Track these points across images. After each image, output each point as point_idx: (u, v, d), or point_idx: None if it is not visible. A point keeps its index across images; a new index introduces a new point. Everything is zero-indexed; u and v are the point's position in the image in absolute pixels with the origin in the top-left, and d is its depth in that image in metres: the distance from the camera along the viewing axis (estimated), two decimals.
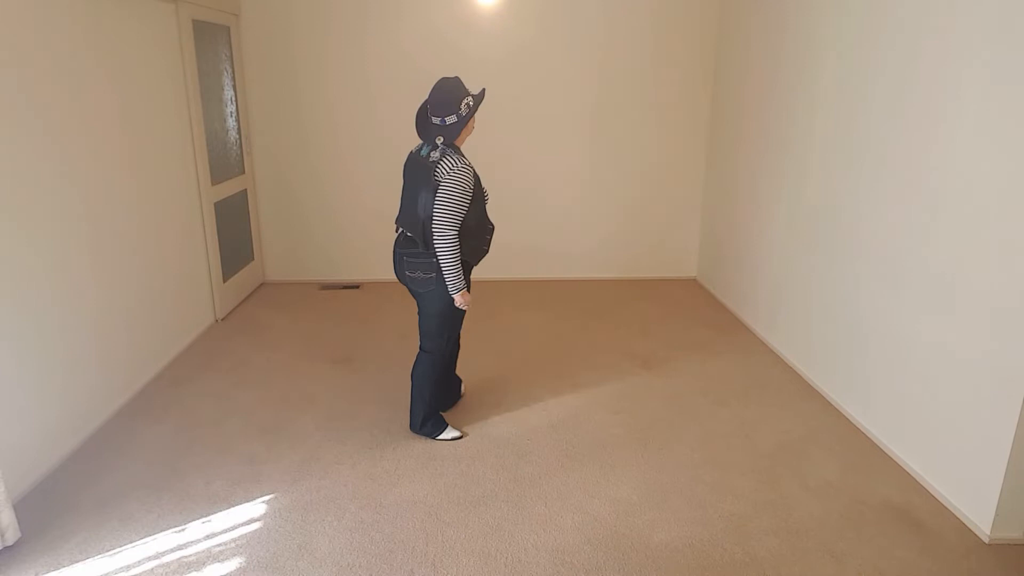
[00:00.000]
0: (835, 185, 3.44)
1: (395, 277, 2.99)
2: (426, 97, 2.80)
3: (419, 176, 2.72)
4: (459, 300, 2.84)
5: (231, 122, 4.78)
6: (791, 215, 3.91)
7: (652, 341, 4.26)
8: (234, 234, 4.84)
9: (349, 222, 5.33)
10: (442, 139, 2.74)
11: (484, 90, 2.87)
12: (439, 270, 2.78)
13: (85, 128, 3.11)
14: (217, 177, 4.51)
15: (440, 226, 2.69)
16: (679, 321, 4.63)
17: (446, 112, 2.73)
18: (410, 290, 2.92)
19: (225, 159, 4.69)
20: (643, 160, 5.31)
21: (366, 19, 4.92)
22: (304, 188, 5.27)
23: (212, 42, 4.47)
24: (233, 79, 4.80)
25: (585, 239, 5.50)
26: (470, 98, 2.77)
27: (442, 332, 2.99)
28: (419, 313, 2.99)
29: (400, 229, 2.91)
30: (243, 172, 5.00)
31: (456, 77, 2.81)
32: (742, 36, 4.60)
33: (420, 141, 2.85)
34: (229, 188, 4.72)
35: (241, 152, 4.96)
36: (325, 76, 5.02)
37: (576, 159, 5.30)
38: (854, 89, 3.27)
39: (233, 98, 4.81)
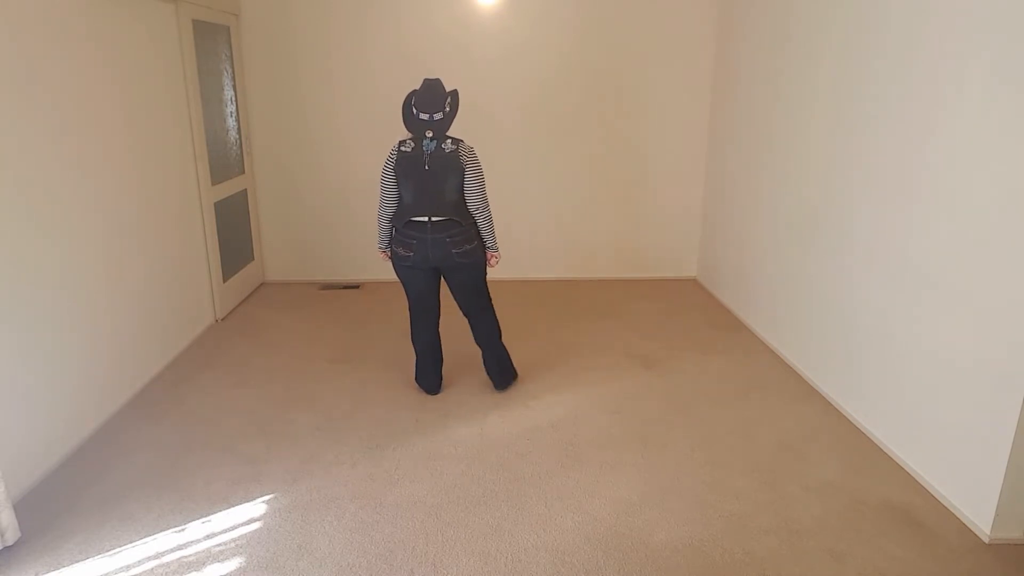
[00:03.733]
0: (835, 185, 3.44)
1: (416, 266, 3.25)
2: (418, 95, 3.13)
3: (447, 165, 3.11)
4: (499, 256, 3.36)
5: (231, 122, 4.79)
6: (791, 215, 3.91)
7: (652, 341, 4.26)
8: (234, 234, 4.84)
9: (349, 222, 5.33)
10: (432, 132, 3.11)
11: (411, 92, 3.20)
12: (477, 236, 3.25)
13: (87, 128, 3.11)
14: (217, 177, 4.51)
15: (485, 196, 3.22)
16: (679, 321, 4.63)
17: (437, 109, 3.10)
18: (452, 267, 3.22)
19: (225, 159, 4.69)
20: (643, 160, 5.31)
21: (366, 19, 4.92)
22: (304, 188, 5.27)
23: (212, 42, 4.47)
24: (233, 79, 4.80)
25: (585, 239, 5.50)
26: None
27: (487, 289, 3.43)
28: (465, 286, 3.32)
29: (428, 218, 3.14)
30: (243, 172, 5.00)
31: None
32: (741, 36, 4.60)
33: (409, 139, 3.15)
34: (229, 188, 4.72)
35: (241, 152, 4.96)
36: (325, 76, 5.02)
37: (575, 159, 5.30)
38: (853, 89, 3.27)
39: (233, 98, 4.81)
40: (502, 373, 3.57)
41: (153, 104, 3.72)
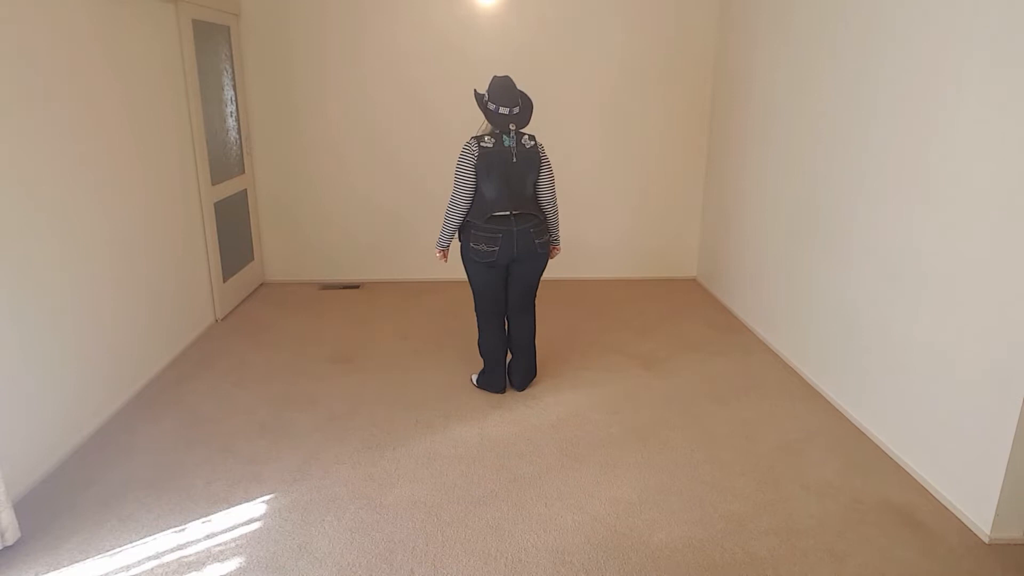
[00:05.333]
0: (835, 185, 3.44)
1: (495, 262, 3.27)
2: (498, 91, 3.20)
3: (529, 160, 3.22)
4: (560, 248, 3.50)
5: (231, 122, 4.78)
6: (791, 215, 3.91)
7: (652, 341, 4.26)
8: (234, 234, 4.84)
9: (349, 222, 5.33)
10: (515, 126, 3.18)
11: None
12: (548, 230, 3.37)
13: (87, 128, 3.11)
14: (217, 177, 4.51)
15: (555, 190, 3.37)
16: (679, 321, 4.63)
17: (515, 103, 3.19)
18: (529, 257, 3.29)
19: (225, 159, 4.68)
20: (643, 160, 5.31)
21: (365, 19, 4.92)
22: (304, 188, 5.27)
23: (212, 42, 4.46)
24: (233, 79, 4.80)
25: (585, 239, 5.49)
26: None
27: None
28: (530, 279, 3.40)
29: (510, 213, 3.19)
30: (243, 172, 5.00)
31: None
32: (742, 37, 4.60)
33: (487, 135, 3.19)
34: (229, 188, 4.72)
35: (241, 152, 4.96)
36: (325, 76, 5.02)
37: (576, 159, 5.30)
38: (853, 89, 3.27)
39: (233, 98, 4.81)
40: (528, 374, 3.60)
41: (153, 104, 3.72)
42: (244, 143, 4.98)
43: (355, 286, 5.35)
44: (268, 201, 5.28)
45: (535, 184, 3.28)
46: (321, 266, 5.45)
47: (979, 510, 2.50)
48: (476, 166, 3.15)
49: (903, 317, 2.92)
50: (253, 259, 5.22)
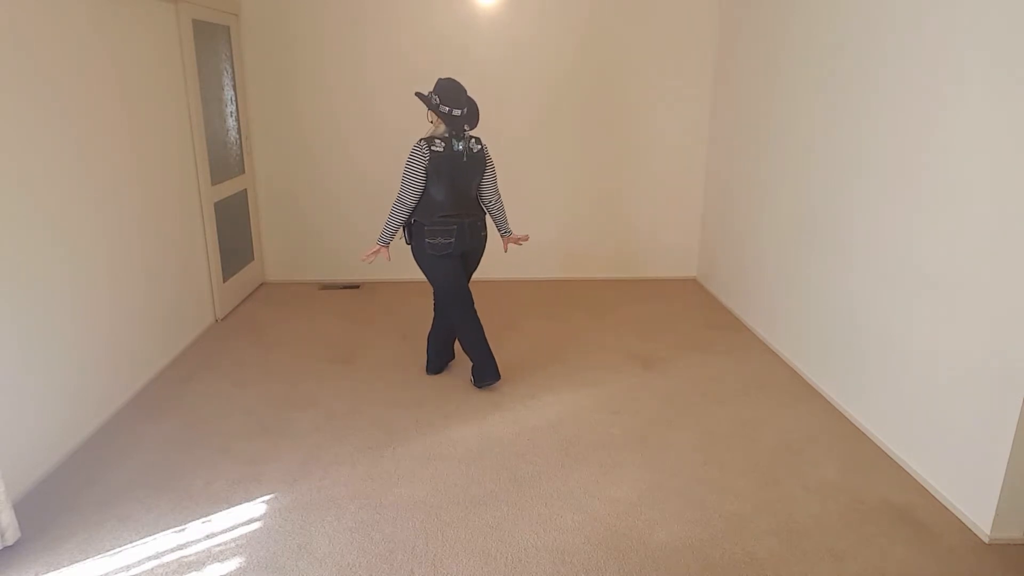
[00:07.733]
0: (834, 185, 3.44)
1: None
2: (448, 95, 3.24)
3: (475, 165, 3.33)
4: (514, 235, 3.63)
5: (231, 122, 4.78)
6: (791, 215, 3.91)
7: (652, 341, 4.26)
8: (234, 234, 4.84)
9: (349, 222, 5.33)
10: (468, 127, 3.28)
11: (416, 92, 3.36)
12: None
13: (87, 128, 3.11)
14: (217, 177, 4.51)
15: (498, 187, 3.49)
16: (679, 321, 4.63)
17: (462, 104, 3.25)
18: (475, 249, 3.48)
19: (225, 159, 4.69)
20: (643, 160, 5.31)
21: (365, 19, 4.92)
22: (304, 188, 5.27)
23: (212, 42, 4.46)
24: (233, 79, 4.80)
25: (585, 239, 5.50)
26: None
27: None
28: (471, 270, 3.55)
29: (456, 214, 3.30)
30: (243, 172, 5.00)
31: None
32: (742, 37, 4.60)
33: (437, 139, 3.25)
34: (229, 188, 4.72)
35: (241, 152, 4.96)
36: (325, 76, 5.02)
37: (576, 159, 5.30)
38: (853, 89, 3.27)
39: (233, 98, 4.81)
40: (493, 363, 3.55)
41: (153, 104, 3.72)
42: (244, 143, 4.98)
43: (355, 286, 5.35)
44: (268, 201, 5.28)
45: (478, 186, 3.41)
46: (321, 266, 5.44)
47: (979, 510, 2.50)
48: (426, 168, 3.23)
49: (903, 316, 2.92)
50: (253, 259, 5.22)
